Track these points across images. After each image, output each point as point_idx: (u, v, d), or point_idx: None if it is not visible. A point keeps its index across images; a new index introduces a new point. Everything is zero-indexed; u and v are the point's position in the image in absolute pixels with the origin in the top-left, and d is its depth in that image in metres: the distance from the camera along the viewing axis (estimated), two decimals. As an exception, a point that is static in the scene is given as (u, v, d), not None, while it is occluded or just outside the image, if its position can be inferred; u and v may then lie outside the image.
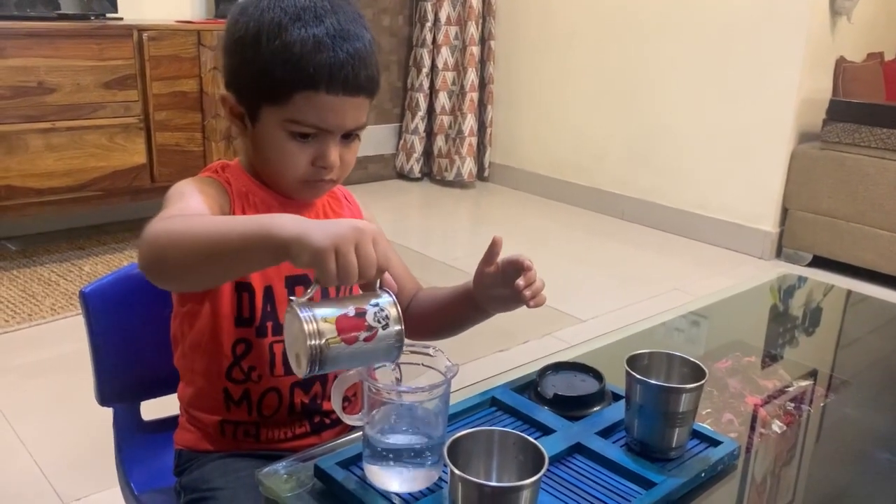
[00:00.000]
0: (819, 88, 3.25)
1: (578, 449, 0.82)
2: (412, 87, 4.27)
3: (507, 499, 0.64)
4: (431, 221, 3.89)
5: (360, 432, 0.76)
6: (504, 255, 0.96)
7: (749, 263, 3.34)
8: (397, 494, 0.73)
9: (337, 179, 0.97)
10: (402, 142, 4.39)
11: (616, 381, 0.90)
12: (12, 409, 1.94)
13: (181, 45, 2.87)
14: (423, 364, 0.79)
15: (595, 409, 0.89)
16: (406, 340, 0.74)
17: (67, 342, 2.25)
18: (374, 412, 0.74)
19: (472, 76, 4.20)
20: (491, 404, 0.90)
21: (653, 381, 0.80)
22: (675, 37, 3.55)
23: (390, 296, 0.74)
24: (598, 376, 0.93)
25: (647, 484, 0.76)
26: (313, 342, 0.68)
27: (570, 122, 4.08)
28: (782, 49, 3.21)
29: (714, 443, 0.84)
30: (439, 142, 4.33)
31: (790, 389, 1.05)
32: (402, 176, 4.46)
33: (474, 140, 4.29)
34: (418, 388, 0.74)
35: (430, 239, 3.56)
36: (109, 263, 2.87)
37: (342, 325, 0.70)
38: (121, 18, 2.93)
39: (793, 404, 1.01)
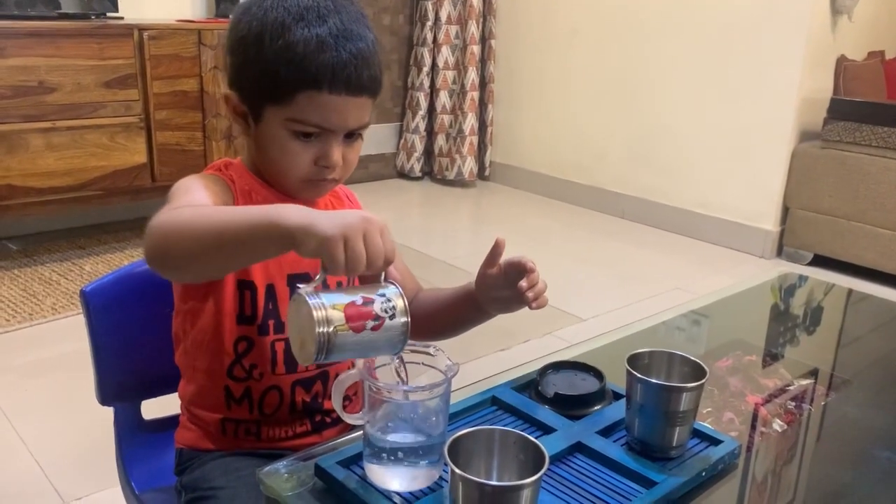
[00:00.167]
0: (820, 87, 3.25)
1: (579, 448, 0.82)
2: (413, 86, 4.27)
3: (508, 498, 0.64)
4: (432, 220, 3.89)
5: (361, 431, 0.76)
6: (506, 256, 0.96)
7: (750, 262, 3.34)
8: (398, 493, 0.73)
9: (339, 179, 0.97)
10: (402, 141, 4.39)
11: (617, 380, 0.90)
12: (13, 408, 1.94)
13: (182, 45, 2.87)
14: (423, 363, 0.79)
15: (596, 408, 0.89)
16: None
17: (68, 342, 2.25)
18: (374, 411, 0.74)
19: (472, 75, 4.20)
20: (491, 403, 0.90)
21: (653, 380, 0.80)
22: (675, 36, 3.55)
23: (396, 287, 0.74)
24: (598, 375, 0.93)
25: (648, 483, 0.76)
26: (322, 329, 0.68)
27: (570, 121, 4.08)
28: (783, 48, 3.21)
29: (715, 442, 0.84)
30: (440, 141, 4.33)
31: (791, 388, 1.05)
32: (403, 175, 4.45)
33: (475, 139, 4.29)
34: (419, 387, 0.74)
35: (430, 238, 3.56)
36: (110, 263, 2.88)
37: (350, 312, 0.70)
38: (121, 18, 2.93)
39: (794, 403, 1.01)
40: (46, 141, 2.65)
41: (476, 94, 4.25)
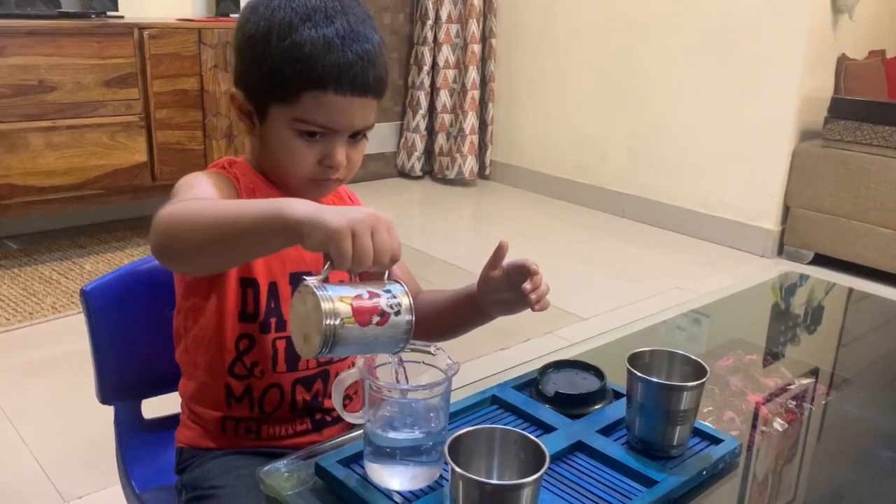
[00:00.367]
0: (821, 86, 3.25)
1: (579, 447, 0.82)
2: (413, 84, 4.27)
3: (508, 497, 0.64)
4: (433, 220, 3.90)
5: (361, 430, 0.76)
6: (507, 256, 0.97)
7: (750, 261, 3.34)
8: (398, 492, 0.73)
9: (343, 179, 0.97)
10: (403, 140, 4.39)
11: (617, 379, 0.90)
12: (13, 407, 1.94)
13: (182, 44, 2.87)
14: (424, 362, 0.79)
15: (596, 407, 0.89)
16: None
17: (68, 341, 2.25)
18: (375, 410, 0.74)
19: (473, 74, 4.20)
20: (492, 402, 0.90)
21: (654, 379, 0.80)
22: (676, 34, 3.55)
23: (402, 285, 0.74)
24: (599, 374, 0.93)
25: (649, 482, 0.76)
26: (329, 321, 0.67)
27: (571, 120, 4.08)
28: (784, 47, 3.20)
29: (715, 441, 0.84)
30: (440, 140, 4.33)
31: (792, 387, 1.05)
32: (404, 174, 4.45)
33: (475, 138, 4.29)
34: (419, 386, 0.74)
35: (431, 237, 3.56)
36: (110, 262, 2.88)
37: (358, 306, 0.69)
38: (121, 16, 2.93)
39: (794, 402, 1.00)
40: (47, 140, 2.65)
41: (476, 93, 4.25)
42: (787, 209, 3.35)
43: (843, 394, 1.06)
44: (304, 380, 0.99)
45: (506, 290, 0.96)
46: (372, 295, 0.71)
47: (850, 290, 1.54)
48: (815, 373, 1.13)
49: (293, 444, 0.99)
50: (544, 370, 0.94)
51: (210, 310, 0.96)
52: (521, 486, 0.64)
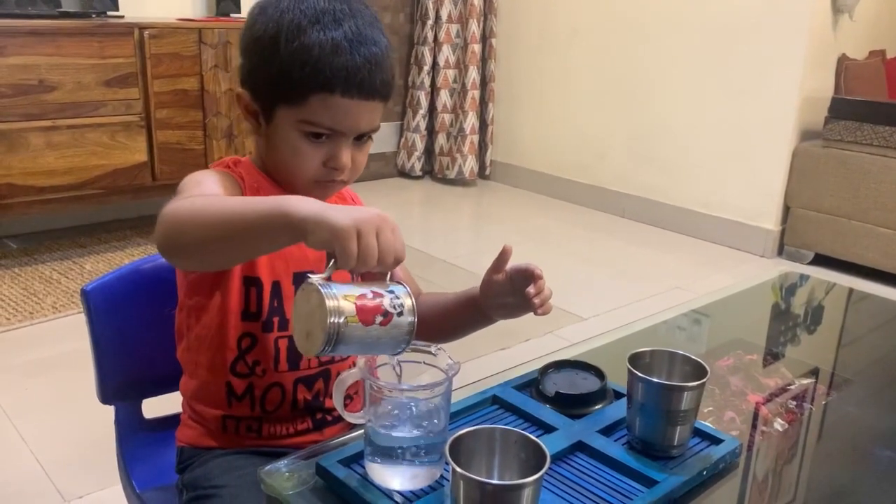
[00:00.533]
0: (821, 86, 3.25)
1: (580, 447, 0.82)
2: (413, 84, 4.27)
3: (509, 497, 0.64)
4: (433, 219, 3.90)
5: (362, 430, 0.76)
6: (512, 261, 0.98)
7: (751, 261, 3.34)
8: (399, 492, 0.73)
9: (347, 181, 0.97)
10: (403, 140, 4.39)
11: (617, 379, 0.90)
12: (14, 407, 1.94)
13: (182, 43, 2.87)
14: (424, 362, 0.79)
15: (596, 407, 0.89)
16: None
17: (69, 340, 2.25)
18: (375, 410, 0.74)
19: (473, 74, 4.20)
20: (492, 402, 0.90)
21: (654, 380, 0.80)
22: (676, 34, 3.55)
23: (405, 287, 0.74)
24: (599, 374, 0.93)
25: (649, 482, 0.76)
26: (333, 319, 0.67)
27: (571, 119, 4.08)
28: (784, 47, 3.20)
29: (716, 441, 0.84)
30: (440, 140, 4.33)
31: (792, 387, 1.05)
32: (404, 174, 4.45)
33: (476, 138, 4.29)
34: (420, 386, 0.74)
35: (431, 237, 3.56)
36: (111, 262, 2.88)
37: (362, 305, 0.69)
38: (122, 16, 2.93)
39: (794, 402, 1.01)
40: (47, 140, 2.65)
41: (477, 93, 4.25)
42: (787, 209, 3.35)
43: (843, 394, 1.06)
44: (305, 379, 0.99)
45: (508, 294, 0.96)
46: (376, 295, 0.71)
47: (851, 291, 1.54)
48: (815, 373, 1.13)
49: (294, 443, 0.99)
50: (545, 370, 0.94)
51: (213, 308, 0.96)
52: (521, 486, 0.64)
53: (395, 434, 0.74)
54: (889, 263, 3.04)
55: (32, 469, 1.71)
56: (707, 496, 0.79)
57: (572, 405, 0.88)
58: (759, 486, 0.85)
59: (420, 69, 4.23)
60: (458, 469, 0.64)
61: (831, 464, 0.92)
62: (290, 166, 0.94)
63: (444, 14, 4.15)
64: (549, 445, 0.68)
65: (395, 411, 0.75)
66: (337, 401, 0.77)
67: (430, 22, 4.17)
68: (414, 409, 0.75)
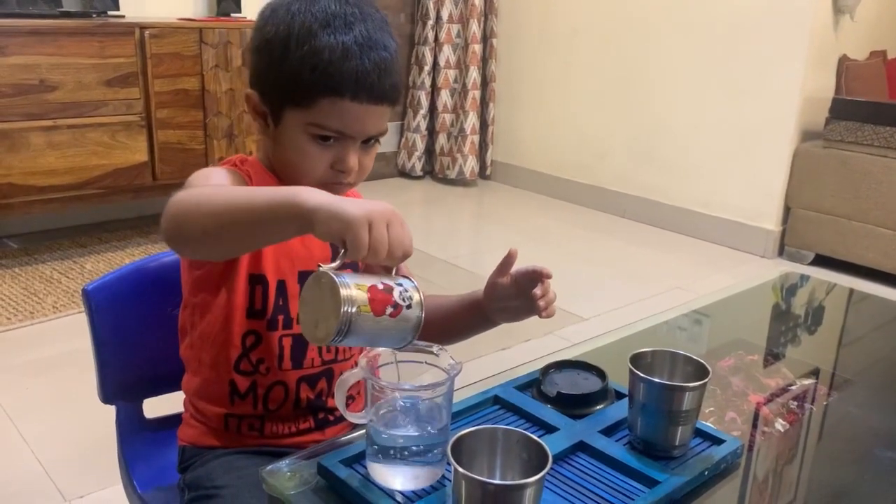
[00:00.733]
0: (822, 87, 3.25)
1: (581, 447, 0.82)
2: (414, 84, 4.27)
3: (511, 497, 0.64)
4: (433, 220, 3.89)
5: (364, 430, 0.76)
6: (515, 263, 0.98)
7: (751, 262, 3.34)
8: (401, 492, 0.73)
9: (354, 183, 0.98)
10: (403, 140, 4.39)
11: (619, 379, 0.90)
12: (15, 407, 1.94)
13: (183, 43, 2.87)
14: (426, 362, 0.79)
15: (598, 407, 0.89)
16: None
17: (69, 340, 2.25)
18: (377, 410, 0.74)
19: (473, 74, 4.20)
20: (494, 402, 0.90)
21: (656, 380, 0.80)
22: (677, 34, 3.55)
23: (413, 281, 0.74)
24: (600, 374, 0.93)
25: (651, 482, 0.76)
26: (347, 308, 0.67)
27: (571, 119, 4.08)
28: (785, 47, 3.20)
29: (717, 441, 0.84)
30: (441, 140, 4.33)
31: (793, 388, 1.05)
32: (404, 174, 4.45)
33: (476, 138, 4.29)
34: (422, 386, 0.74)
35: (431, 237, 3.56)
36: (111, 261, 2.88)
37: (374, 294, 0.70)
38: (123, 16, 2.93)
39: (795, 403, 1.01)
40: (48, 139, 2.65)
41: (477, 93, 4.25)
42: (787, 210, 3.35)
43: (844, 394, 1.06)
44: (308, 378, 0.99)
45: (513, 297, 0.97)
46: (386, 286, 0.71)
47: (851, 291, 1.54)
48: (815, 373, 1.13)
49: (296, 442, 0.99)
50: (546, 370, 0.94)
51: (218, 305, 0.96)
52: (523, 487, 0.64)
53: (396, 434, 0.74)
54: (889, 264, 3.04)
55: (33, 469, 1.71)
56: (708, 496, 0.79)
57: (574, 405, 0.88)
58: (760, 486, 0.85)
59: (421, 69, 4.23)
60: (460, 469, 0.64)
61: (832, 464, 0.92)
62: (297, 168, 0.94)
63: (444, 14, 4.15)
64: (550, 445, 0.68)
65: (397, 411, 0.75)
66: (339, 401, 0.77)
67: (430, 22, 4.17)
68: (416, 409, 0.75)
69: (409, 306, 0.72)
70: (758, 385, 1.04)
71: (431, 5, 4.14)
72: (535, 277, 0.94)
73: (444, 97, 4.27)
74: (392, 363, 0.77)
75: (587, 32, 3.92)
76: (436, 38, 4.20)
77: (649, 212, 3.76)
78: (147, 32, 2.79)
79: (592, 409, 0.89)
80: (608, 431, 0.85)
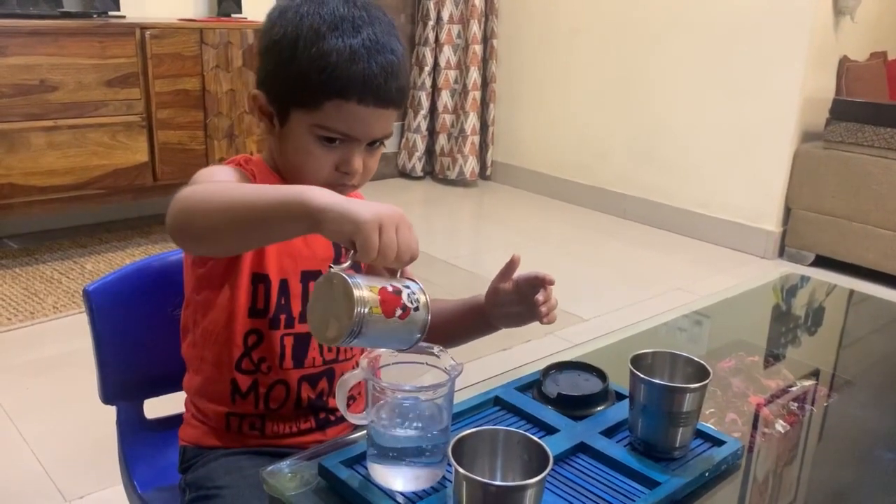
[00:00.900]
0: (822, 87, 3.25)
1: (582, 448, 0.82)
2: (414, 85, 4.27)
3: (512, 498, 0.64)
4: (434, 220, 3.89)
5: (365, 431, 0.76)
6: (519, 271, 0.99)
7: (752, 263, 3.34)
8: (401, 493, 0.73)
9: (358, 185, 0.98)
10: (404, 140, 4.39)
11: (619, 380, 0.90)
12: (15, 407, 1.94)
13: (184, 44, 2.87)
14: (427, 363, 0.79)
15: (599, 408, 0.89)
16: None
17: (70, 340, 2.25)
18: (378, 411, 0.74)
19: (474, 74, 4.20)
20: (494, 403, 0.90)
21: (657, 381, 0.80)
22: (678, 35, 3.55)
23: (419, 284, 0.75)
24: (601, 376, 0.93)
25: (651, 483, 0.76)
26: (360, 309, 0.68)
27: (572, 120, 4.08)
28: (785, 48, 3.21)
29: (718, 442, 0.84)
30: (441, 140, 4.33)
31: (793, 389, 1.05)
32: (405, 174, 4.46)
33: (476, 139, 4.29)
34: (422, 387, 0.74)
35: (432, 238, 3.56)
36: (111, 262, 2.88)
37: (384, 296, 0.70)
38: (123, 16, 2.93)
39: (796, 404, 1.01)
40: (48, 139, 2.65)
41: (478, 94, 4.25)
42: (788, 211, 3.35)
43: (844, 395, 1.06)
44: (309, 377, 1.00)
45: (515, 303, 0.98)
46: (395, 289, 0.72)
47: (851, 292, 1.54)
48: (816, 374, 1.13)
49: (297, 442, 1.00)
50: (547, 371, 0.95)
51: (221, 304, 0.97)
52: (524, 488, 0.64)
53: (397, 435, 0.74)
54: (890, 265, 3.04)
55: (34, 469, 1.71)
56: (709, 498, 0.79)
57: (574, 406, 0.88)
58: (761, 487, 0.85)
59: (421, 70, 4.23)
60: (461, 470, 0.64)
61: (832, 465, 0.93)
62: (302, 168, 0.95)
63: (445, 15, 4.15)
64: (551, 447, 0.68)
65: (398, 412, 0.75)
66: (340, 402, 0.77)
67: (431, 23, 4.17)
68: (417, 409, 0.75)
69: (416, 308, 0.72)
70: (758, 386, 1.04)
71: (432, 6, 4.14)
72: (537, 284, 0.95)
73: (445, 98, 4.28)
74: (393, 364, 0.77)
75: (587, 33, 3.92)
76: (436, 39, 4.20)
77: (649, 212, 3.76)
78: (148, 33, 2.79)
79: (593, 410, 0.89)
80: (609, 432, 0.85)
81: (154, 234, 3.14)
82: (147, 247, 3.02)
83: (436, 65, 4.24)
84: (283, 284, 0.97)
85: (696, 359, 0.84)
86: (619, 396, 0.91)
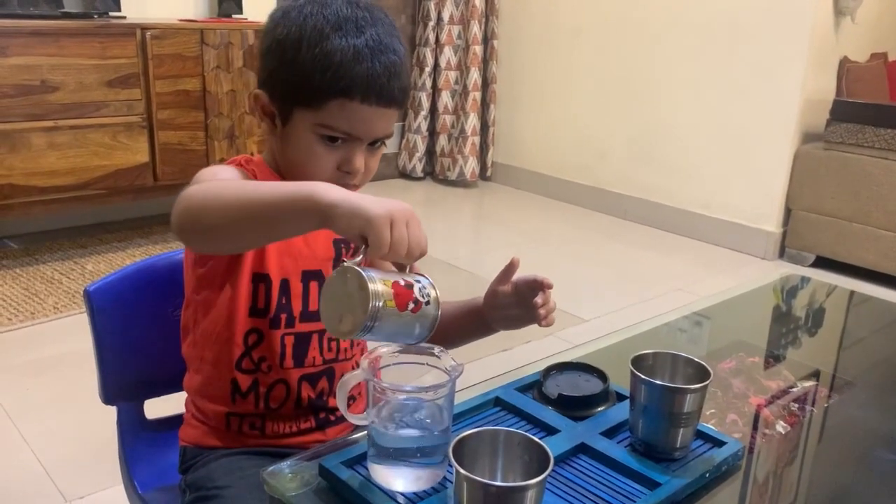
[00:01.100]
0: (822, 88, 3.25)
1: (583, 449, 0.82)
2: (415, 85, 4.27)
3: (512, 499, 0.64)
4: (434, 221, 3.89)
5: (365, 431, 0.76)
6: (509, 258, 0.99)
7: (752, 264, 3.34)
8: (402, 494, 0.73)
9: (359, 185, 0.98)
10: (404, 141, 4.39)
11: (620, 381, 0.90)
12: (16, 407, 1.94)
13: (184, 44, 2.87)
14: (427, 364, 0.79)
15: (599, 409, 0.89)
16: None
17: (70, 341, 2.25)
18: (378, 411, 0.74)
19: (474, 75, 4.20)
20: (495, 404, 0.90)
21: (657, 382, 0.80)
22: (678, 36, 3.55)
23: (429, 279, 0.75)
24: (602, 376, 0.93)
25: (652, 484, 0.76)
26: (375, 303, 0.68)
27: (572, 121, 4.08)
28: (786, 49, 3.21)
29: (718, 443, 0.84)
30: (442, 141, 4.34)
31: (794, 390, 1.05)
32: (405, 175, 4.46)
33: (477, 139, 4.29)
34: (423, 388, 0.74)
35: (432, 238, 3.50)
36: (112, 262, 2.88)
37: (397, 290, 0.71)
38: (124, 17, 2.93)
39: (796, 405, 1.01)
40: (49, 140, 2.65)
41: (478, 95, 4.25)
42: (788, 211, 3.35)
43: (844, 396, 1.06)
44: (309, 376, 1.00)
45: (513, 306, 0.99)
46: (406, 283, 0.73)
47: (852, 293, 1.54)
48: (816, 375, 1.13)
49: (297, 442, 1.00)
50: (547, 372, 0.95)
51: (221, 303, 0.97)
52: (525, 488, 0.64)
53: (398, 435, 0.74)
54: (890, 266, 3.04)
55: (34, 469, 1.71)
56: (709, 498, 0.79)
57: (575, 407, 0.88)
58: (761, 488, 0.85)
59: (422, 70, 4.23)
60: (462, 471, 0.64)
61: (833, 466, 0.93)
62: (304, 168, 0.95)
63: (445, 16, 4.15)
64: (551, 447, 0.68)
65: (399, 413, 0.75)
66: (340, 402, 0.77)
67: (431, 23, 4.17)
68: (417, 410, 0.75)
69: (427, 303, 0.73)
70: (758, 387, 1.04)
71: (432, 7, 4.14)
72: (536, 287, 0.96)
73: (445, 98, 4.28)
74: (393, 365, 0.78)
75: (588, 34, 3.92)
76: (437, 40, 4.21)
77: (650, 213, 3.76)
78: (148, 33, 2.79)
79: (593, 410, 0.89)
80: (609, 433, 0.85)
81: (154, 234, 3.14)
82: (147, 247, 3.02)
83: (436, 65, 4.24)
84: (284, 284, 0.97)
85: (696, 359, 0.84)
86: (620, 397, 0.91)
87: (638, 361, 0.83)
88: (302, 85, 0.91)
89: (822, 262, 3.26)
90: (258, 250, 0.95)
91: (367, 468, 0.76)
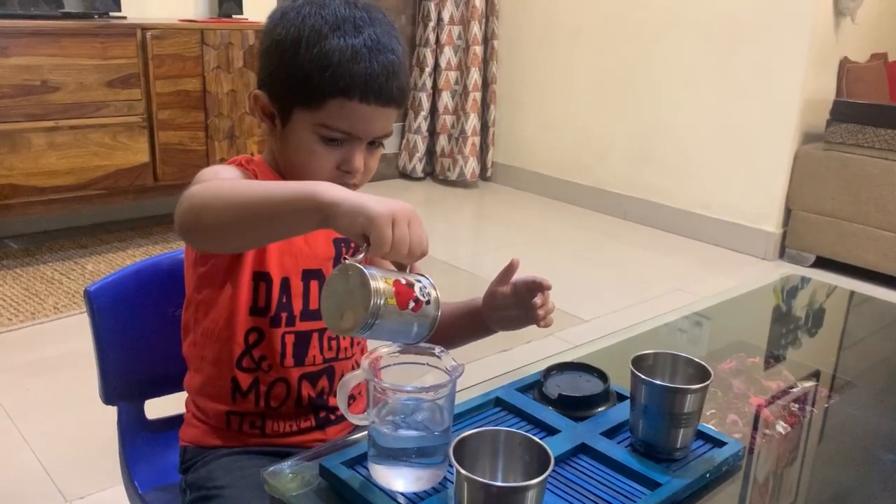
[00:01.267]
0: (823, 89, 3.25)
1: (583, 449, 0.82)
2: (415, 86, 4.27)
3: (513, 499, 0.64)
4: (434, 221, 3.89)
5: (366, 431, 0.76)
6: (509, 259, 1.00)
7: (752, 264, 3.34)
8: (402, 494, 0.73)
9: (359, 184, 0.98)
10: (404, 141, 4.39)
11: (620, 381, 0.90)
12: (16, 407, 1.94)
13: (184, 44, 2.87)
14: (428, 364, 0.79)
15: (600, 409, 0.89)
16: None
17: (70, 341, 2.25)
18: (379, 411, 0.74)
19: (475, 75, 4.20)
20: (495, 404, 0.90)
21: (658, 382, 0.80)
22: (678, 36, 3.55)
23: (429, 279, 0.75)
24: (602, 376, 0.93)
25: (652, 484, 0.76)
26: (376, 300, 0.68)
27: (572, 121, 4.08)
28: (786, 49, 3.21)
29: (719, 444, 0.84)
30: (442, 141, 4.34)
31: (794, 390, 1.05)
32: (405, 175, 4.46)
33: (477, 140, 4.30)
34: (423, 388, 0.74)
35: (432, 238, 3.49)
36: (112, 262, 2.88)
37: (398, 288, 0.71)
38: (124, 17, 2.93)
39: (797, 405, 1.01)
40: (49, 140, 2.66)
41: (478, 95, 4.25)
42: (788, 212, 3.35)
43: (844, 396, 1.06)
44: (309, 375, 1.00)
45: (512, 307, 0.99)
46: (408, 282, 0.73)
47: (852, 293, 1.55)
48: (816, 375, 1.13)
49: (297, 441, 1.00)
50: (548, 372, 0.95)
51: (222, 302, 0.97)
52: (525, 489, 0.64)
53: (398, 435, 0.74)
54: (890, 266, 3.04)
55: (34, 469, 1.71)
56: (710, 499, 0.79)
57: (575, 407, 0.88)
58: (761, 488, 0.85)
59: (422, 71, 4.23)
60: (463, 471, 0.64)
61: (833, 466, 0.93)
62: (304, 168, 0.95)
63: (445, 16, 4.15)
64: (552, 447, 0.68)
65: (399, 413, 0.75)
66: (341, 402, 0.77)
67: (431, 24, 4.17)
68: (418, 410, 0.75)
69: (427, 302, 0.73)
70: (759, 387, 1.04)
71: (433, 7, 4.15)
72: (535, 288, 0.96)
73: (445, 99, 4.28)
74: (393, 365, 0.78)
75: (588, 34, 3.92)
76: (437, 40, 4.21)
77: (650, 213, 3.76)
78: (149, 33, 2.79)
79: (594, 411, 0.89)
80: (610, 433, 0.85)
81: (155, 234, 3.14)
82: (148, 247, 3.02)
83: (436, 66, 4.24)
84: (285, 283, 0.98)
85: (696, 360, 0.84)
86: (620, 397, 0.91)
87: (638, 362, 0.83)
88: (301, 85, 0.91)
89: (823, 263, 3.26)
90: (259, 249, 0.95)
91: (367, 468, 0.76)
